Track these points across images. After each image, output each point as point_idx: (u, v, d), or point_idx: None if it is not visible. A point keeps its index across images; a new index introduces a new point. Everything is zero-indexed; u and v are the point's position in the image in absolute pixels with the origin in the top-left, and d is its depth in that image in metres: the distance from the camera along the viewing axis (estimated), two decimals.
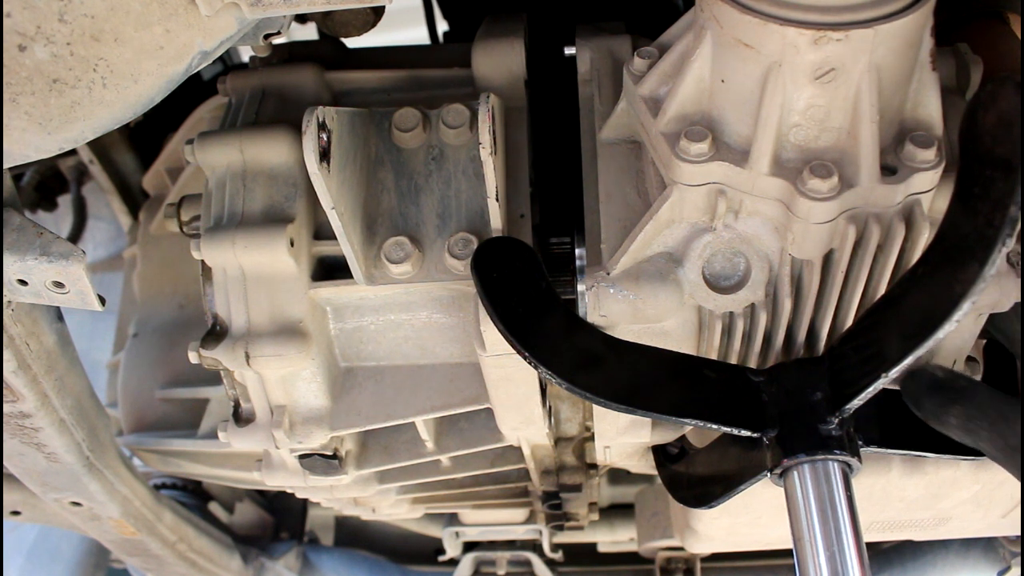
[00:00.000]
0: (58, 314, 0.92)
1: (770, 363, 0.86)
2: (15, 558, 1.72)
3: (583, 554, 1.98)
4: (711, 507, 0.88)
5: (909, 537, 1.28)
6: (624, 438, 1.02)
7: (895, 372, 0.71)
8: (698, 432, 1.01)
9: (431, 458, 1.10)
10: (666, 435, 1.03)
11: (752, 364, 0.86)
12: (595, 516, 1.65)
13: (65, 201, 1.73)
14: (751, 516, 1.14)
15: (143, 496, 1.22)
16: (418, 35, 1.78)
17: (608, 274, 0.79)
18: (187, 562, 1.41)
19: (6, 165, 0.67)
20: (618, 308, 0.80)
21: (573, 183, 0.90)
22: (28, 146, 0.65)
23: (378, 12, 0.88)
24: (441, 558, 1.80)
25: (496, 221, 0.84)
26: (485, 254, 0.83)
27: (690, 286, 0.79)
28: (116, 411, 1.34)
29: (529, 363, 0.76)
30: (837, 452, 0.74)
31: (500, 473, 1.27)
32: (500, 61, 0.95)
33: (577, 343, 0.79)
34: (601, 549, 1.95)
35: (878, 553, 1.72)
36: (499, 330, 0.78)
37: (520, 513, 1.63)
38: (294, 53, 1.03)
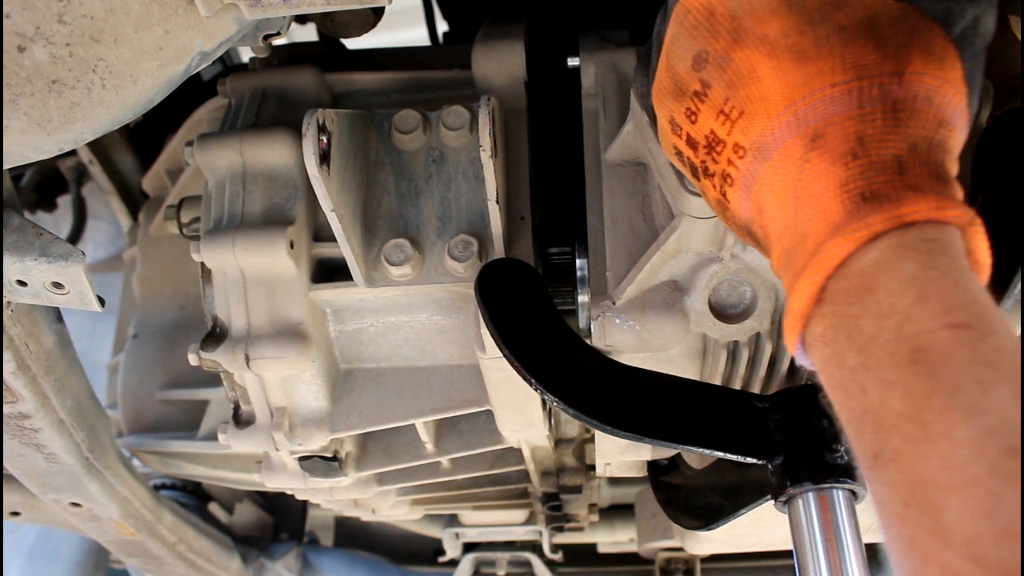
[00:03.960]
0: (58, 315, 0.92)
1: (774, 389, 0.86)
2: (15, 558, 1.72)
3: (583, 555, 1.98)
4: (709, 529, 0.88)
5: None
6: (624, 457, 1.03)
7: None
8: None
9: (431, 460, 1.10)
10: (666, 452, 1.03)
11: (756, 390, 0.86)
12: (595, 517, 1.66)
13: (65, 202, 1.73)
14: (751, 517, 1.13)
15: (143, 497, 1.21)
16: (418, 36, 1.77)
17: (614, 303, 0.79)
18: (187, 563, 1.41)
19: (6, 166, 0.67)
20: (624, 338, 0.80)
21: (574, 186, 0.89)
22: (27, 147, 0.65)
23: (378, 13, 0.88)
24: (441, 559, 1.80)
25: (496, 224, 0.84)
26: (489, 276, 0.82)
27: (696, 315, 0.79)
28: (116, 412, 1.33)
29: (534, 388, 0.75)
30: (843, 480, 0.73)
31: (500, 475, 1.27)
32: (500, 63, 0.95)
33: (582, 369, 0.78)
34: (601, 550, 1.95)
35: (877, 554, 1.71)
36: (504, 355, 0.78)
37: (520, 514, 1.63)
38: (294, 54, 1.03)
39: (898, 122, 0.47)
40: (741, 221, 0.56)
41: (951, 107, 0.49)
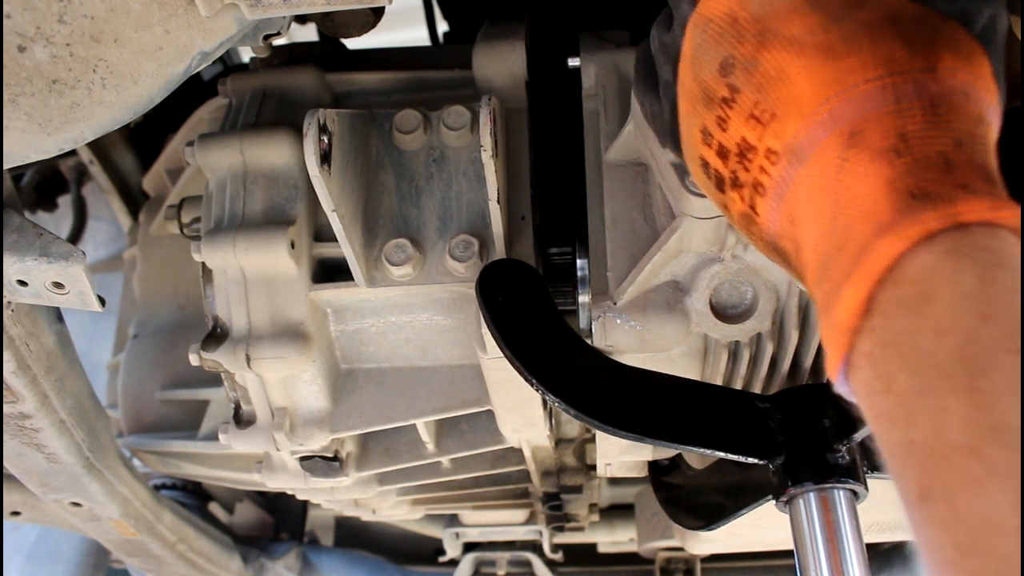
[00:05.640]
0: (58, 315, 0.92)
1: (775, 388, 0.86)
2: (15, 558, 1.72)
3: (583, 554, 1.98)
4: (710, 529, 0.88)
5: (910, 538, 1.28)
6: (625, 457, 1.03)
7: None
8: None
9: (432, 460, 1.10)
10: (667, 452, 1.03)
11: (757, 389, 0.86)
12: (595, 517, 1.66)
13: (65, 202, 1.73)
14: (751, 517, 1.14)
15: (143, 497, 1.21)
16: (418, 36, 1.77)
17: (615, 304, 0.79)
18: (187, 562, 1.41)
19: (6, 166, 0.67)
20: (625, 339, 0.80)
21: (575, 186, 0.89)
22: (28, 147, 0.65)
23: (378, 13, 0.87)
24: (441, 559, 1.80)
25: (497, 224, 0.84)
26: (490, 276, 0.82)
27: (696, 315, 0.79)
28: (116, 412, 1.33)
29: (535, 388, 0.75)
30: (845, 480, 0.73)
31: (501, 475, 1.27)
32: (501, 63, 0.95)
33: (583, 369, 0.78)
34: (601, 549, 1.95)
35: (878, 554, 1.72)
36: (505, 355, 0.78)
37: (520, 514, 1.63)
38: (294, 54, 1.03)
39: (938, 118, 0.45)
40: (769, 235, 0.53)
41: (985, 103, 0.48)
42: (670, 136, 0.62)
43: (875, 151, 0.45)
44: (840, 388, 0.47)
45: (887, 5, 0.48)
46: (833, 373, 0.46)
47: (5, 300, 0.80)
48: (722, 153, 0.54)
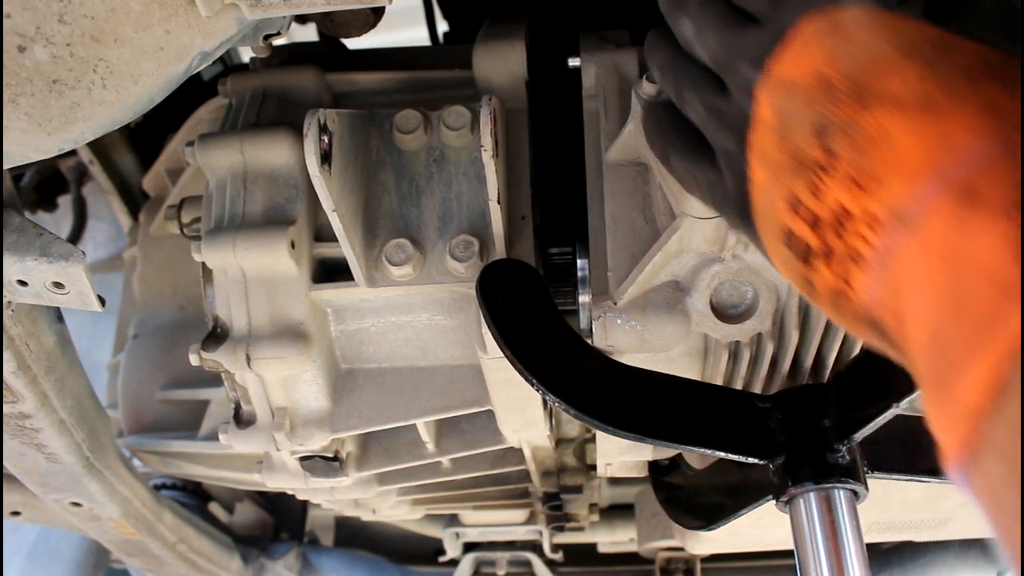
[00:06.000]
0: (58, 315, 0.92)
1: (775, 388, 0.86)
2: (15, 558, 1.72)
3: (583, 554, 1.98)
4: (710, 529, 0.88)
5: (909, 538, 1.28)
6: (625, 457, 1.03)
7: (905, 403, 0.71)
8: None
9: (432, 460, 1.10)
10: (667, 452, 1.03)
11: (757, 389, 0.86)
12: (595, 517, 1.66)
13: (65, 202, 1.73)
14: (751, 517, 1.14)
15: (143, 497, 1.21)
16: (418, 36, 1.77)
17: (615, 304, 0.79)
18: (187, 562, 1.41)
19: (6, 166, 0.67)
20: (625, 339, 0.79)
21: (575, 186, 0.89)
22: (28, 147, 0.65)
23: (378, 13, 0.88)
24: (441, 559, 1.80)
25: (497, 224, 0.84)
26: (490, 276, 0.82)
27: (697, 315, 0.79)
28: (116, 412, 1.33)
29: (536, 388, 0.75)
30: (845, 480, 0.73)
31: (501, 474, 1.27)
32: (501, 62, 0.95)
33: (583, 369, 0.78)
34: (601, 549, 1.95)
35: (878, 554, 1.72)
36: (505, 355, 0.78)
37: (520, 514, 1.63)
38: (295, 54, 1.03)
39: None
40: (864, 308, 0.48)
41: None
42: (736, 208, 0.58)
43: (995, 208, 0.40)
44: (956, 478, 0.40)
45: (972, 47, 0.46)
46: (950, 461, 0.40)
47: (5, 300, 0.80)
48: (814, 223, 0.50)
